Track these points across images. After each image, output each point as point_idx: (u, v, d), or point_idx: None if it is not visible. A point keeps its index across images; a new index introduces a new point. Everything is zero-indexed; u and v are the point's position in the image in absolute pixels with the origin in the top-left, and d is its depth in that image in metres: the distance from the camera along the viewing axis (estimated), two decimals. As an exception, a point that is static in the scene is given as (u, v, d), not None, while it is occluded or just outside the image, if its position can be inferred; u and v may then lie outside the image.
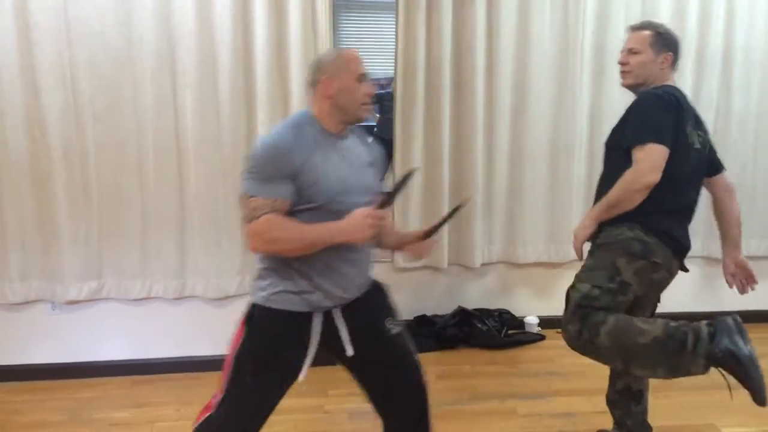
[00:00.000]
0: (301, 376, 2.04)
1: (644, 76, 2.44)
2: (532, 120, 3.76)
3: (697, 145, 2.39)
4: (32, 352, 3.40)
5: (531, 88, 3.73)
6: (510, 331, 3.94)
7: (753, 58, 3.83)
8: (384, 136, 5.95)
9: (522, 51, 3.70)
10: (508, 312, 4.02)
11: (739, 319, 2.21)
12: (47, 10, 3.05)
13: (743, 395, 3.27)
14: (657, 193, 2.28)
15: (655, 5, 3.72)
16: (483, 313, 3.93)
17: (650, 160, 2.25)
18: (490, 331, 3.82)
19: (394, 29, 3.62)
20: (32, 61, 3.08)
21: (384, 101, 6.24)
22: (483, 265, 3.93)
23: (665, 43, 2.43)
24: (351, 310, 2.07)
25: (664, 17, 3.71)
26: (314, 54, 3.25)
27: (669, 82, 2.46)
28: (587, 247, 2.50)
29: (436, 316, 3.97)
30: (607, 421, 2.96)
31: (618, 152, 2.40)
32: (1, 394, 3.28)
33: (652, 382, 3.35)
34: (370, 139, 2.18)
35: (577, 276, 2.43)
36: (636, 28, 2.49)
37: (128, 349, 3.45)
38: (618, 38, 3.75)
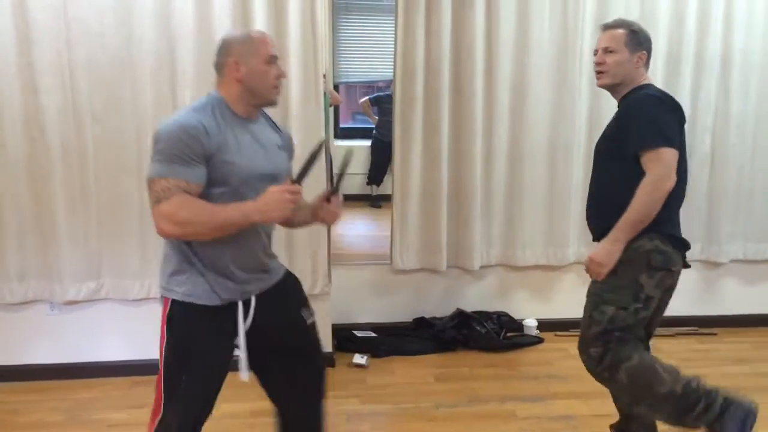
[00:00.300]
0: (243, 375, 2.01)
1: (621, 75, 2.40)
2: (531, 122, 3.77)
3: (684, 141, 2.40)
4: (31, 353, 3.40)
5: (530, 91, 3.73)
6: (509, 334, 3.94)
7: (751, 60, 3.83)
8: (383, 138, 5.97)
9: (521, 53, 3.71)
10: (506, 314, 4.02)
11: (757, 408, 2.21)
12: (46, 9, 3.04)
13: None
14: (668, 198, 2.26)
15: (653, 8, 3.72)
16: (482, 316, 3.93)
17: (667, 165, 2.23)
18: (489, 333, 3.82)
19: (393, 31, 3.62)
20: (31, 60, 3.08)
21: (383, 103, 6.26)
22: (482, 267, 3.93)
23: (639, 41, 2.40)
24: (266, 299, 2.05)
25: (662, 20, 3.72)
26: (314, 55, 3.25)
27: (645, 81, 2.43)
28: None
29: (434, 318, 3.97)
30: (606, 424, 2.96)
31: (615, 159, 2.36)
32: (0, 394, 3.28)
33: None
34: (278, 123, 2.16)
35: (597, 295, 2.38)
36: (609, 27, 2.45)
37: (127, 350, 3.44)
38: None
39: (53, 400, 3.21)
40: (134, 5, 3.12)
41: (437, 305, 4.00)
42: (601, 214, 2.44)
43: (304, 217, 2.19)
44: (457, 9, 3.60)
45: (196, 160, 1.83)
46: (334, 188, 2.08)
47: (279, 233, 3.36)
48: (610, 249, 2.31)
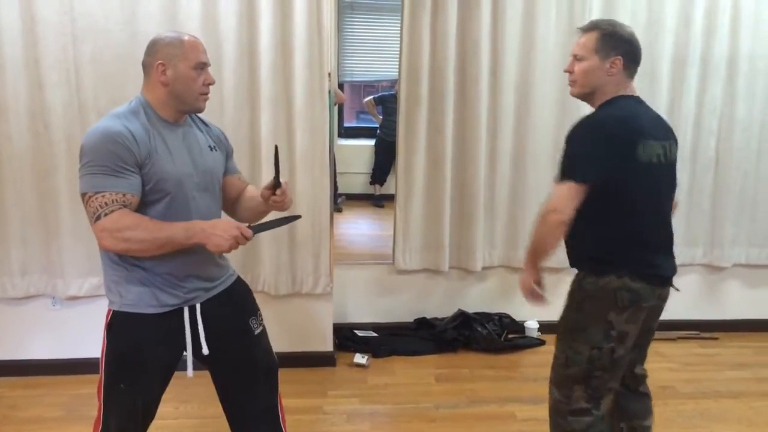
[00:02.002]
0: (189, 372, 1.98)
1: (590, 84, 2.15)
2: (536, 124, 3.76)
3: (655, 159, 2.10)
4: (32, 348, 3.40)
5: (535, 92, 3.73)
6: (510, 335, 3.93)
7: (758, 66, 3.82)
8: (387, 138, 5.96)
9: (526, 55, 3.70)
10: (508, 316, 4.01)
11: None
12: (53, 6, 3.05)
13: (742, 405, 3.29)
14: (638, 232, 2.12)
15: (660, 11, 3.71)
16: (483, 317, 3.93)
17: (558, 198, 2.06)
18: (490, 334, 3.82)
19: (399, 31, 3.62)
20: (37, 56, 3.08)
21: (387, 103, 6.26)
22: (484, 268, 3.93)
23: (612, 45, 2.10)
24: (213, 306, 2.01)
25: (669, 23, 3.71)
26: (319, 54, 3.25)
27: (624, 90, 2.15)
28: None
29: (436, 319, 3.96)
30: (606, 427, 2.95)
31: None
32: (0, 389, 3.28)
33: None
34: (205, 121, 2.13)
35: (567, 333, 2.26)
36: (584, 30, 2.18)
37: (127, 346, 3.44)
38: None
39: (53, 395, 3.22)
40: (140, 2, 3.12)
41: (439, 306, 4.00)
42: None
43: (257, 213, 2.15)
44: (463, 9, 3.59)
45: (129, 169, 1.79)
46: (275, 182, 2.02)
47: (281, 233, 3.37)
48: (522, 277, 2.30)
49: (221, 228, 1.82)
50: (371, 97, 6.45)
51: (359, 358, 3.60)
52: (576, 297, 2.26)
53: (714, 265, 4.04)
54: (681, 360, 3.71)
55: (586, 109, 3.73)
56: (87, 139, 1.81)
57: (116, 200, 1.76)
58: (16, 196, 3.19)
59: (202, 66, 1.93)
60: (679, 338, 4.01)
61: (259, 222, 1.96)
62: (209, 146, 2.04)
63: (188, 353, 1.97)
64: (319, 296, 3.50)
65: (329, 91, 3.33)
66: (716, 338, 4.05)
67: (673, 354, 3.78)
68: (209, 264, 2.02)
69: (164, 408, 3.09)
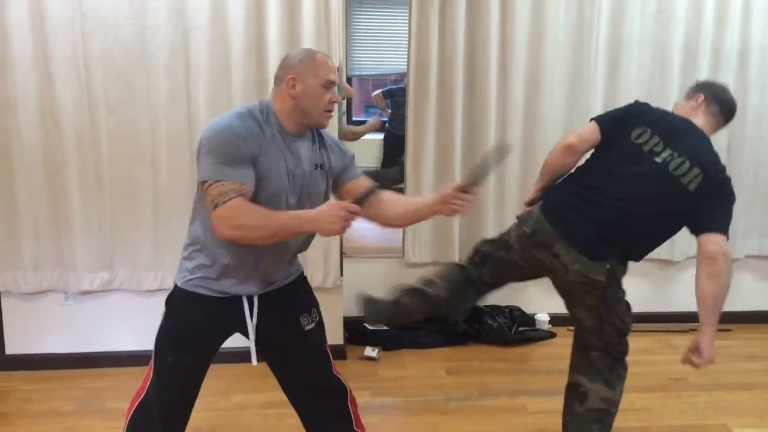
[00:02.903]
0: (254, 361, 2.04)
1: None
2: (545, 117, 3.74)
3: (657, 158, 2.24)
4: (45, 342, 3.43)
5: (544, 85, 3.71)
6: (521, 328, 3.93)
7: (770, 55, 3.79)
8: (396, 132, 5.95)
9: (536, 46, 3.68)
10: (519, 309, 4.01)
11: None
12: (62, 2, 3.06)
13: (754, 397, 3.27)
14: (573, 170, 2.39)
15: (671, 1, 3.68)
16: (494, 310, 3.92)
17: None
18: (501, 327, 3.81)
19: (407, 24, 3.61)
20: (46, 52, 3.10)
21: (396, 96, 6.24)
22: (494, 261, 3.92)
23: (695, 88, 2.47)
24: (269, 300, 2.06)
25: (680, 12, 3.68)
26: (327, 47, 3.24)
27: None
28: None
29: (446, 311, 3.96)
30: (616, 419, 2.94)
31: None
32: (14, 382, 3.31)
33: (662, 382, 3.35)
34: (337, 143, 2.15)
35: (619, 300, 2.39)
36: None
37: (140, 340, 3.45)
38: (633, 34, 3.72)
39: (66, 389, 3.24)
40: (149, -3, 3.12)
41: (449, 299, 3.99)
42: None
43: (407, 219, 2.22)
44: (471, 2, 3.58)
45: (245, 160, 1.85)
46: (473, 179, 2.01)
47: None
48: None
49: (326, 213, 1.86)
50: (380, 90, 6.43)
51: (370, 351, 3.61)
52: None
53: (726, 257, 4.01)
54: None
55: (596, 103, 3.74)
56: (207, 130, 1.88)
57: (233, 189, 1.82)
58: (28, 191, 3.21)
59: (331, 85, 1.98)
60: (690, 330, 3.98)
61: (360, 195, 2.00)
62: (316, 164, 2.05)
63: (251, 340, 2.03)
64: (329, 290, 3.51)
65: (337, 85, 3.32)
66: (728, 330, 4.02)
67: (685, 345, 3.73)
68: (279, 268, 2.06)
69: (176, 401, 3.11)
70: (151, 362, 2.05)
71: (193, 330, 2.00)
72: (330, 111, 2.00)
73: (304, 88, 1.94)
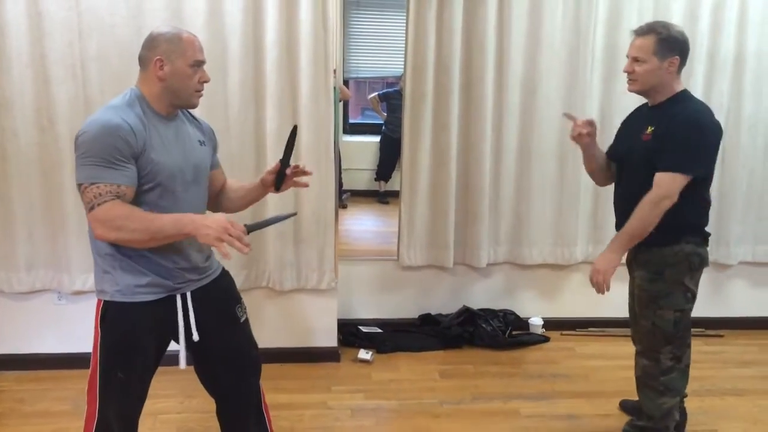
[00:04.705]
0: (182, 364, 2.04)
1: (651, 83, 2.46)
2: (541, 120, 3.75)
3: None
4: (38, 342, 3.42)
5: (541, 89, 3.72)
6: (514, 332, 3.93)
7: (764, 63, 3.79)
8: (392, 134, 5.96)
9: (532, 51, 3.69)
10: (513, 313, 4.01)
11: None
12: (58, 1, 3.05)
13: (747, 403, 3.28)
14: (702, 206, 2.50)
15: (667, 8, 3.70)
16: (488, 313, 3.92)
17: (673, 189, 2.36)
18: (495, 331, 3.81)
19: (404, 27, 3.61)
20: (43, 51, 3.09)
21: (392, 99, 6.26)
22: (489, 265, 3.93)
23: (670, 47, 2.42)
24: (202, 294, 2.07)
25: (675, 20, 3.67)
26: (324, 50, 3.25)
27: (679, 86, 2.48)
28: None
29: (440, 315, 3.96)
30: (610, 424, 2.96)
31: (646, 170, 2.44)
32: (6, 383, 3.29)
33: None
34: (197, 117, 2.19)
35: (652, 302, 2.51)
36: (639, 34, 2.47)
37: (133, 341, 3.46)
38: (629, 41, 3.72)
39: (59, 389, 3.23)
40: (146, -2, 3.12)
41: (443, 302, 4.00)
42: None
43: (242, 203, 2.27)
44: (468, 5, 3.58)
45: (126, 161, 1.83)
46: (284, 161, 2.12)
47: (287, 229, 3.37)
48: (609, 258, 2.46)
49: (211, 220, 1.84)
50: (375, 94, 6.46)
51: (363, 354, 3.61)
52: (654, 268, 2.51)
53: (720, 263, 4.02)
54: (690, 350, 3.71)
55: (592, 107, 3.75)
56: (85, 130, 1.84)
57: (110, 191, 1.80)
58: (22, 191, 3.20)
59: (199, 64, 1.98)
60: (693, 335, 3.99)
61: (255, 221, 2.00)
62: (199, 141, 2.10)
63: (181, 343, 2.02)
64: (323, 292, 3.51)
65: (334, 88, 3.33)
66: (721, 336, 4.04)
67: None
68: (197, 253, 2.06)
69: (169, 402, 3.13)
70: (95, 384, 1.99)
71: (137, 339, 1.97)
72: (200, 91, 2.00)
73: (172, 68, 1.93)
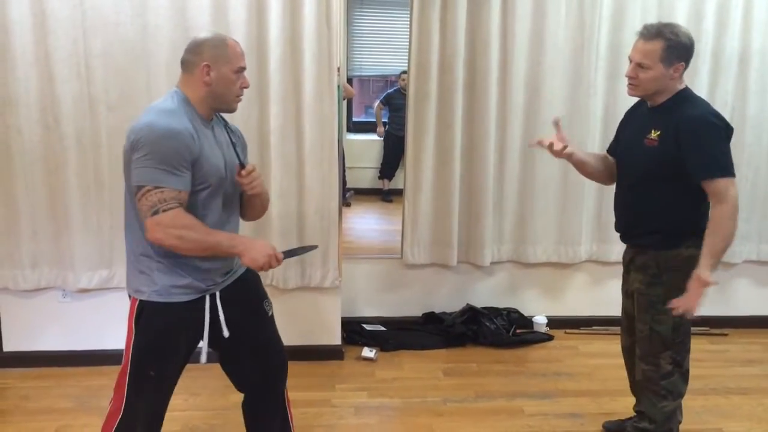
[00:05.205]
0: (203, 360, 2.08)
1: (653, 89, 2.38)
2: (545, 119, 3.74)
3: None
4: (42, 339, 3.43)
5: (544, 88, 3.71)
6: (518, 331, 3.93)
7: (770, 61, 3.79)
8: (395, 133, 5.96)
9: (536, 50, 3.68)
10: (516, 311, 4.01)
11: None
12: (64, -1, 3.06)
13: (751, 401, 3.28)
14: (704, 209, 2.36)
15: (672, 6, 3.69)
16: (491, 312, 3.92)
17: (735, 196, 2.27)
18: (498, 329, 3.81)
19: (408, 26, 3.61)
20: (47, 50, 3.09)
21: (393, 99, 6.27)
22: (493, 263, 3.93)
23: (678, 54, 2.32)
24: (230, 292, 2.12)
25: (680, 19, 3.67)
26: (328, 48, 3.24)
27: (680, 84, 2.41)
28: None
29: (444, 313, 3.97)
30: (614, 423, 2.95)
31: (668, 179, 2.36)
32: (11, 380, 3.30)
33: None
34: (227, 120, 2.22)
35: (652, 307, 2.45)
36: (646, 38, 2.34)
37: (137, 339, 3.46)
38: (634, 40, 3.71)
39: (64, 386, 3.24)
40: (150, -4, 3.12)
41: (447, 300, 4.00)
42: (639, 224, 2.51)
43: (251, 205, 2.26)
44: (472, 4, 3.58)
45: (186, 167, 1.88)
46: (241, 164, 2.12)
47: (291, 227, 3.37)
48: (705, 277, 2.30)
49: (260, 246, 1.95)
50: (377, 101, 6.49)
51: (367, 352, 3.61)
52: (653, 272, 2.46)
53: (724, 261, 4.01)
54: (690, 356, 3.70)
55: (596, 106, 3.75)
56: (147, 133, 1.85)
57: (174, 197, 1.85)
58: (27, 189, 3.21)
59: (242, 70, 2.03)
60: (693, 334, 3.99)
61: (289, 249, 2.11)
62: (232, 143, 2.13)
63: (204, 341, 2.07)
64: (327, 290, 3.51)
65: (338, 86, 3.33)
66: (726, 334, 4.03)
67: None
68: (230, 258, 2.11)
69: (174, 400, 3.11)
70: (124, 380, 2.01)
71: (171, 338, 2.02)
72: (240, 96, 2.06)
73: (218, 74, 1.97)
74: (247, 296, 2.20)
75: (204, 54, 1.97)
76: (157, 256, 1.97)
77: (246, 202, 2.23)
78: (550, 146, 2.56)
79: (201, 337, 2.07)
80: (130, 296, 2.04)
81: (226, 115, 2.17)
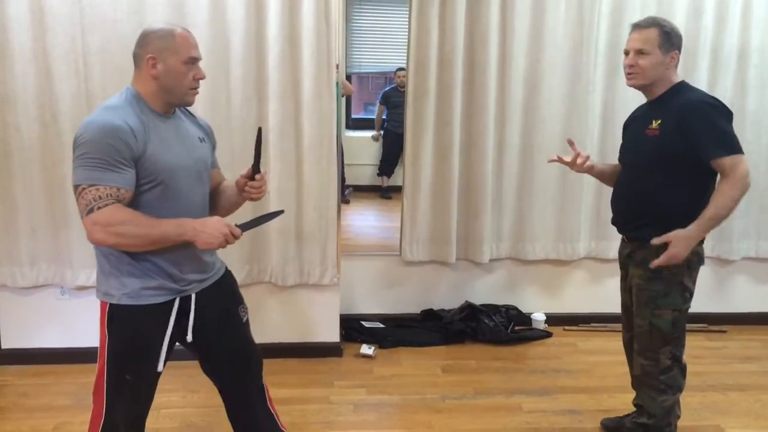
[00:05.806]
0: (160, 367, 1.99)
1: (653, 77, 2.41)
2: (544, 116, 3.74)
3: None
4: (40, 336, 3.43)
5: (543, 85, 3.71)
6: (517, 328, 3.93)
7: (769, 58, 3.79)
8: (394, 130, 5.95)
9: (535, 47, 3.68)
10: (515, 308, 4.01)
11: None
12: (61, -4, 3.05)
13: (749, 398, 3.28)
14: (704, 195, 2.38)
15: (671, 3, 3.68)
16: (490, 309, 3.93)
17: (747, 169, 2.32)
18: (497, 326, 3.81)
19: (407, 22, 3.60)
20: (45, 47, 3.09)
21: (391, 97, 6.26)
22: (491, 260, 3.93)
23: (672, 41, 2.39)
24: (206, 295, 2.06)
25: (679, 15, 3.67)
26: (327, 44, 3.24)
27: (677, 77, 2.46)
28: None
29: (443, 310, 3.97)
30: (612, 420, 2.95)
31: (670, 166, 2.38)
32: (9, 377, 3.30)
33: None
34: (196, 115, 2.17)
35: (651, 302, 2.48)
36: (642, 26, 2.41)
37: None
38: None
39: (62, 383, 3.24)
40: (148, -8, 3.12)
41: (446, 297, 4.00)
42: (639, 216, 2.51)
43: (231, 204, 2.21)
44: (471, 1, 3.57)
45: (126, 164, 1.80)
46: (255, 167, 2.07)
47: (289, 224, 3.37)
48: (693, 239, 2.36)
49: (211, 226, 1.86)
50: (378, 103, 6.50)
51: (366, 349, 3.61)
52: (645, 271, 2.48)
53: (722, 258, 4.02)
54: (688, 353, 3.67)
55: (595, 102, 3.74)
56: (84, 131, 1.81)
57: (110, 194, 1.78)
58: (25, 186, 3.21)
59: (193, 61, 1.95)
60: (686, 331, 3.99)
61: (246, 221, 2.00)
62: (199, 138, 2.08)
63: (164, 345, 1.98)
64: (326, 287, 3.51)
65: (337, 83, 3.33)
66: (724, 331, 4.03)
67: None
68: (203, 254, 2.05)
69: (172, 397, 3.13)
70: (102, 385, 1.98)
71: (145, 341, 1.96)
72: (195, 88, 1.97)
73: (165, 67, 1.90)
74: (222, 301, 2.14)
75: (149, 46, 1.90)
76: (126, 257, 1.90)
77: (219, 203, 2.18)
78: (573, 162, 2.63)
79: (177, 340, 2.04)
80: (99, 300, 1.98)
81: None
